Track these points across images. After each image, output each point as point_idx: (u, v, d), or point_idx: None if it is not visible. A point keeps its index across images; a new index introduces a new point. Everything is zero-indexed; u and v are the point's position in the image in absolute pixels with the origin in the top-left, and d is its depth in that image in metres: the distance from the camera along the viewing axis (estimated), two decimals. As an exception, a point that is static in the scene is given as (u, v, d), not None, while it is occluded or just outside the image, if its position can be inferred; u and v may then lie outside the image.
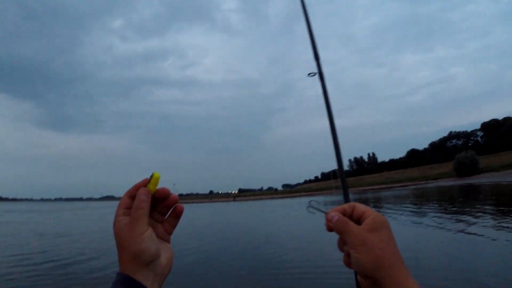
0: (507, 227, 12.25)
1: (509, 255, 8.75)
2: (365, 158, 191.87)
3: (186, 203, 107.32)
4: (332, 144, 2.87)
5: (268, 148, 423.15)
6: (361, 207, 0.70)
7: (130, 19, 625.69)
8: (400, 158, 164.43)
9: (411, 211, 21.66)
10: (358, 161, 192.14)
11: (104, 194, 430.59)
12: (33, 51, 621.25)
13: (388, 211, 22.80)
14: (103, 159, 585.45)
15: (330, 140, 2.88)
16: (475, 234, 11.68)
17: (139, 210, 0.67)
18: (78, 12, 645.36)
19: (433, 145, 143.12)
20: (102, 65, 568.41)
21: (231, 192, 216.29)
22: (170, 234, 0.75)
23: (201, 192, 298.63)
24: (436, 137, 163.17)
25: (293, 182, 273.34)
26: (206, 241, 15.32)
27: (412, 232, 13.57)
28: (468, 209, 19.15)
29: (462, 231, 12.50)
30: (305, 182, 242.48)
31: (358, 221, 0.69)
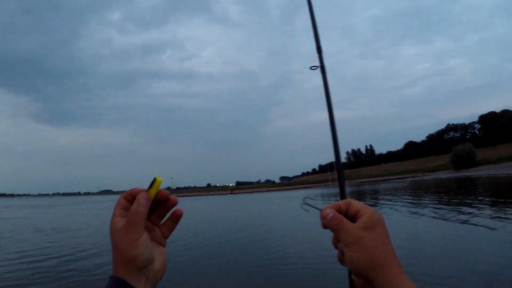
0: (507, 218, 12.35)
1: (508, 244, 8.84)
2: (363, 150, 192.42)
3: (184, 196, 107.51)
4: (331, 137, 2.83)
5: (266, 140, 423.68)
6: (356, 204, 0.69)
7: (128, 11, 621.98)
8: (397, 151, 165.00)
9: (410, 203, 21.75)
10: (355, 153, 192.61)
11: (102, 188, 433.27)
12: (31, 45, 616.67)
13: (387, 203, 22.96)
14: (101, 153, 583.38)
15: (329, 133, 2.84)
16: (474, 224, 11.79)
17: (136, 215, 0.66)
18: (77, 5, 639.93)
19: (430, 137, 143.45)
20: (100, 58, 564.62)
21: (228, 185, 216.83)
22: (166, 238, 0.74)
23: (198, 185, 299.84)
24: (433, 130, 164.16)
25: (291, 174, 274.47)
26: (202, 236, 15.30)
27: (412, 223, 13.67)
28: (466, 201, 19.22)
29: (461, 222, 12.59)
30: (303, 174, 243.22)
31: (353, 218, 0.68)
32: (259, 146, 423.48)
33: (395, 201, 23.58)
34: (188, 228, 16.52)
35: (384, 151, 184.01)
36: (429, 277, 6.56)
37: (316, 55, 3.22)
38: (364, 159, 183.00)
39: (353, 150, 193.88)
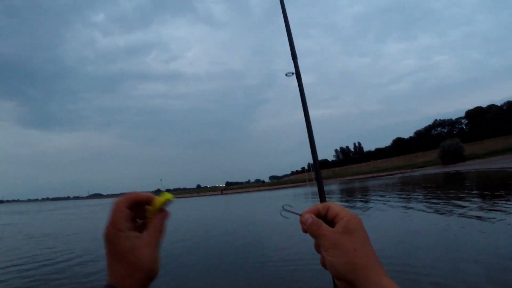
0: (498, 210, 12.63)
1: (498, 235, 9.04)
2: (351, 147, 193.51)
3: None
4: (308, 141, 2.90)
5: (255, 140, 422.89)
6: (335, 208, 0.69)
7: (112, 12, 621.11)
8: (385, 147, 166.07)
9: (403, 198, 22.08)
10: (344, 151, 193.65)
11: (92, 192, 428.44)
12: (14, 48, 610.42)
13: (380, 199, 23.24)
14: (89, 156, 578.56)
15: (306, 137, 2.90)
16: (465, 217, 12.07)
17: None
18: (59, 6, 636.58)
19: (418, 133, 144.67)
20: (84, 60, 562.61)
21: (218, 186, 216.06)
22: None
23: (188, 186, 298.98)
24: (421, 126, 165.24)
25: (280, 173, 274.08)
26: (193, 238, 15.35)
27: (402, 218, 13.92)
28: (459, 195, 19.49)
29: (457, 215, 12.83)
30: (292, 173, 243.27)
31: (333, 221, 0.68)
32: (248, 146, 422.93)
33: (387, 197, 23.79)
34: (180, 231, 16.56)
35: (372, 148, 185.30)
36: (424, 269, 6.81)
37: (291, 62, 3.24)
38: (353, 156, 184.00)
39: (341, 148, 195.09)
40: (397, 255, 8.25)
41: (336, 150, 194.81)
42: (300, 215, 0.71)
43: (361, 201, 24.92)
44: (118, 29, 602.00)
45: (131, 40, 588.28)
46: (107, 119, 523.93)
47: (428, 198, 20.26)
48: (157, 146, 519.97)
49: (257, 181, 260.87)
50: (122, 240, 0.64)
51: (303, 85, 3.16)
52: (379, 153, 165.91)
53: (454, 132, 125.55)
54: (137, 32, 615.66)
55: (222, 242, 13.43)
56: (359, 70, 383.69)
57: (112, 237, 0.65)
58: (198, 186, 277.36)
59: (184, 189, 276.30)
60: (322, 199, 2.74)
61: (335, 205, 0.70)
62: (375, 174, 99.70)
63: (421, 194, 24.09)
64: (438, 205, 16.33)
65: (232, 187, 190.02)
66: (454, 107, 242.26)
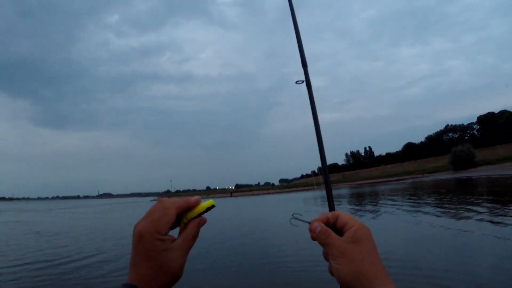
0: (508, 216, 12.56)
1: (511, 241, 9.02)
2: (362, 152, 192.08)
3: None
4: (317, 147, 2.90)
5: (265, 143, 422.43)
6: (344, 217, 0.70)
7: (126, 14, 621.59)
8: (396, 152, 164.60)
9: (414, 203, 21.96)
10: (354, 155, 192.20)
11: (102, 192, 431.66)
12: (29, 48, 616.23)
13: (391, 203, 23.15)
14: (100, 156, 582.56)
15: (315, 142, 2.90)
16: (477, 222, 12.03)
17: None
18: (74, 7, 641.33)
19: (429, 138, 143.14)
20: (98, 61, 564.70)
21: (228, 188, 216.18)
22: None
23: (198, 188, 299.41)
24: (432, 131, 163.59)
25: (290, 177, 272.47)
26: (209, 241, 15.41)
27: (413, 222, 13.80)
28: (470, 201, 19.32)
29: (464, 219, 12.82)
30: (302, 176, 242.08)
31: (341, 230, 0.69)
32: (258, 149, 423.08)
33: (398, 202, 23.64)
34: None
35: (383, 153, 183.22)
36: (433, 272, 6.75)
37: (301, 70, 3.19)
38: (363, 160, 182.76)
39: (352, 152, 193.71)
40: (407, 258, 8.27)
41: (346, 154, 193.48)
42: (309, 223, 0.71)
43: (372, 204, 24.82)
44: (132, 30, 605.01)
45: (144, 41, 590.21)
46: (119, 120, 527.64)
47: (439, 203, 20.13)
48: (168, 148, 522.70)
49: (267, 184, 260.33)
50: (158, 242, 0.64)
51: (313, 90, 3.17)
52: (389, 158, 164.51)
53: (466, 137, 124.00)
54: (151, 33, 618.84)
55: (234, 245, 13.48)
56: (372, 74, 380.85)
57: (149, 236, 0.64)
58: (208, 187, 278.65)
59: (194, 190, 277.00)
60: (330, 203, 2.76)
61: (345, 214, 0.71)
62: (385, 179, 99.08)
63: (432, 199, 23.94)
64: (449, 210, 16.24)
65: (241, 189, 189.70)
66: (466, 112, 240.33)
